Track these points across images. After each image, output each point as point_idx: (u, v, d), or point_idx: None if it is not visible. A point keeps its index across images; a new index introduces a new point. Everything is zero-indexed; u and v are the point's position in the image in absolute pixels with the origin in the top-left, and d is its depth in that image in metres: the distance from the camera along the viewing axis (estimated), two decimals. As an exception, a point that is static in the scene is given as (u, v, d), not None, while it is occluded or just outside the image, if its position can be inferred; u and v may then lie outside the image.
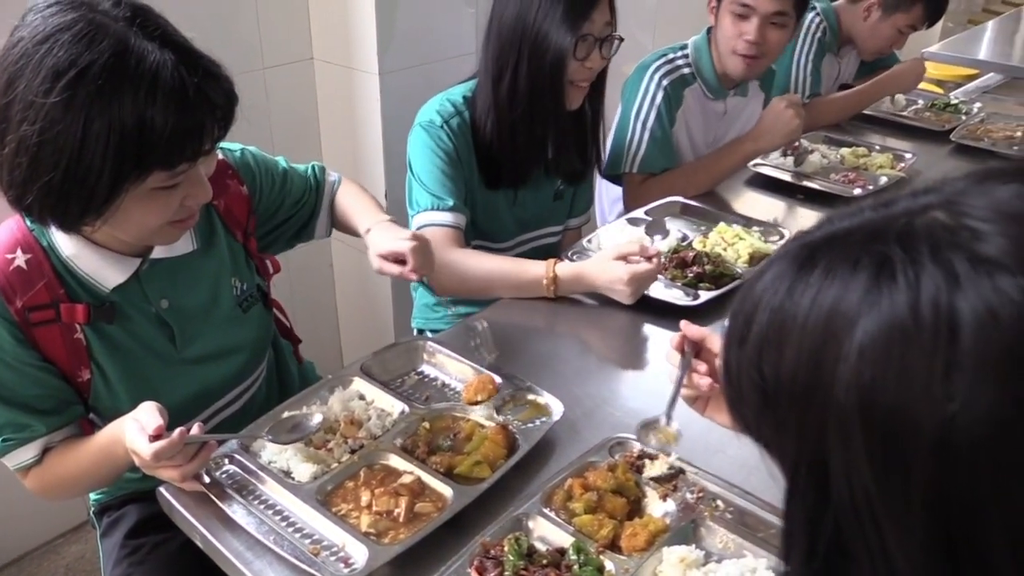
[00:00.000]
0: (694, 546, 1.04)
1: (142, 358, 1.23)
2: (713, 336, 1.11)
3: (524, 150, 1.72)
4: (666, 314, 1.55)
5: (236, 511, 1.08)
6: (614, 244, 1.62)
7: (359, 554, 1.01)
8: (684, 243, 1.77)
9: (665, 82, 2.08)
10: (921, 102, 2.83)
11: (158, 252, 1.22)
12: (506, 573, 0.98)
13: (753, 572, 1.00)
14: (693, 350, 1.11)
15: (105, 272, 1.17)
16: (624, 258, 1.54)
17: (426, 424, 1.24)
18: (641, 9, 3.10)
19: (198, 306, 1.28)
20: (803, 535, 0.56)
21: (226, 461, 1.16)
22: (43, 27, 0.98)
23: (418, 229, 1.66)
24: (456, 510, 1.07)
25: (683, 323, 1.14)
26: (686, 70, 2.12)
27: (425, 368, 1.40)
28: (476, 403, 1.27)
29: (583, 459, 1.17)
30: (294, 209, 1.48)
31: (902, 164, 2.27)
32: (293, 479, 1.13)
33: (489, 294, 1.63)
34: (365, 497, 1.11)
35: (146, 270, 1.21)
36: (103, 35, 0.98)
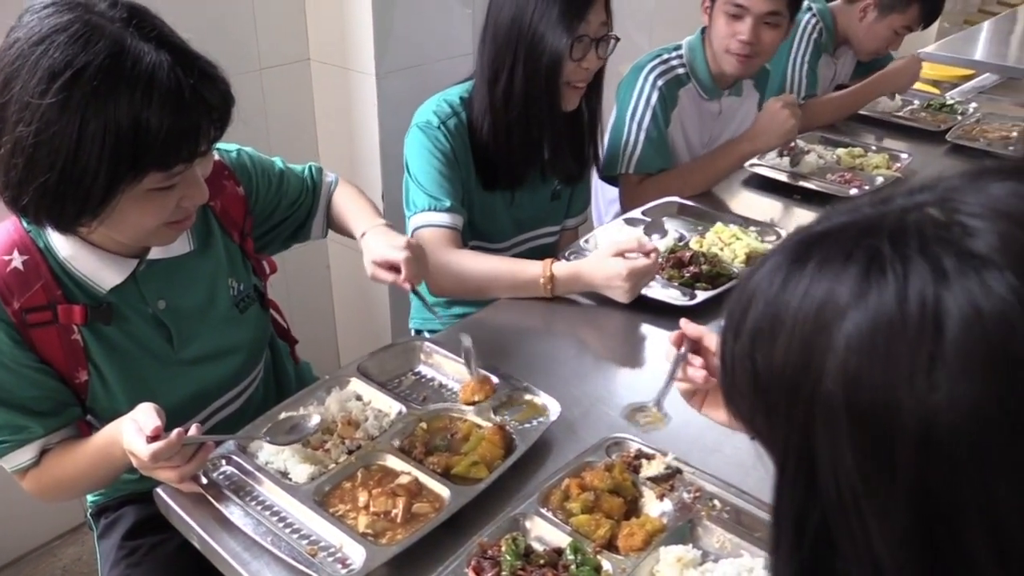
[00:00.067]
0: (691, 546, 1.04)
1: (139, 359, 1.23)
2: (711, 335, 1.12)
3: (520, 152, 1.72)
4: (663, 314, 1.55)
5: (233, 512, 1.08)
6: (612, 241, 1.62)
7: (356, 555, 1.01)
8: (681, 243, 1.78)
9: (660, 82, 2.08)
10: (917, 102, 2.84)
11: (155, 253, 1.22)
12: (503, 573, 0.98)
13: (750, 572, 1.00)
14: (690, 347, 1.12)
15: (102, 273, 1.17)
16: (622, 255, 1.54)
17: (423, 425, 1.24)
18: (638, 10, 3.10)
19: (195, 307, 1.28)
20: (790, 526, 0.57)
21: (223, 462, 1.16)
22: (39, 28, 0.98)
23: (415, 230, 1.66)
24: (453, 510, 1.07)
25: (683, 321, 1.15)
26: (680, 70, 2.12)
27: (422, 369, 1.40)
28: (473, 403, 1.28)
29: (580, 459, 1.17)
30: (291, 210, 1.48)
31: (898, 164, 2.28)
32: (290, 480, 1.13)
33: (486, 294, 1.63)
34: (362, 498, 1.11)
35: (143, 271, 1.21)
36: (99, 36, 0.98)
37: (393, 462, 1.17)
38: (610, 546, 1.05)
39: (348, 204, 1.50)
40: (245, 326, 1.36)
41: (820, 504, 0.53)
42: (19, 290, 1.12)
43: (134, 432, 1.05)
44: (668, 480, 1.14)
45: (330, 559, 1.02)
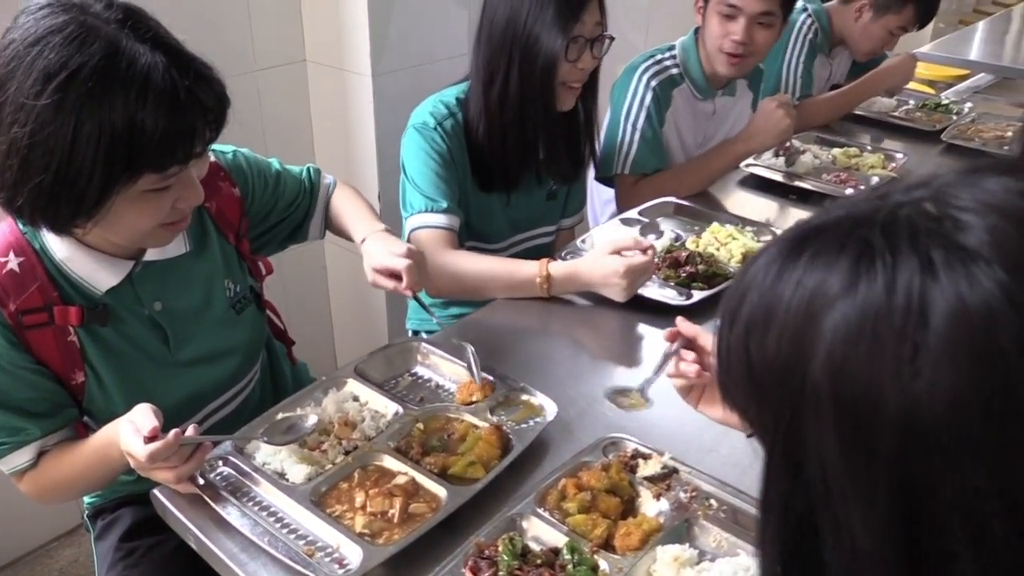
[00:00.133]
0: (688, 545, 1.04)
1: (136, 360, 1.23)
2: (706, 334, 1.12)
3: (515, 154, 1.72)
4: (659, 314, 1.55)
5: (230, 513, 1.08)
6: (608, 240, 1.62)
7: (353, 555, 1.02)
8: (677, 243, 1.78)
9: (654, 83, 2.08)
10: (912, 102, 2.84)
11: (151, 254, 1.22)
12: (500, 573, 0.98)
13: (747, 571, 1.00)
14: (684, 343, 1.13)
15: (98, 275, 1.17)
16: (618, 253, 1.54)
17: (420, 425, 1.24)
18: (633, 10, 3.11)
19: (191, 308, 1.28)
20: (776, 515, 0.58)
21: (220, 463, 1.16)
22: (34, 29, 0.98)
23: (412, 231, 1.66)
24: (450, 511, 1.07)
25: (679, 319, 1.15)
26: (674, 71, 2.13)
27: (419, 369, 1.40)
28: (470, 404, 1.28)
29: (577, 459, 1.17)
30: (287, 211, 1.48)
31: (893, 164, 2.28)
32: (287, 480, 1.13)
33: (483, 295, 1.64)
34: (359, 498, 1.11)
35: (139, 272, 1.21)
36: (94, 37, 0.98)
37: (390, 462, 1.17)
38: (607, 546, 1.05)
39: (347, 207, 1.50)
40: (241, 327, 1.36)
41: (805, 492, 0.54)
42: (15, 292, 1.12)
43: (131, 433, 1.05)
44: (665, 480, 1.14)
45: (327, 559, 1.02)
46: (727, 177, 2.20)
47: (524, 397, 1.29)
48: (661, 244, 1.74)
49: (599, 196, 2.42)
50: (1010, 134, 2.51)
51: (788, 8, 2.01)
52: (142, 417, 1.06)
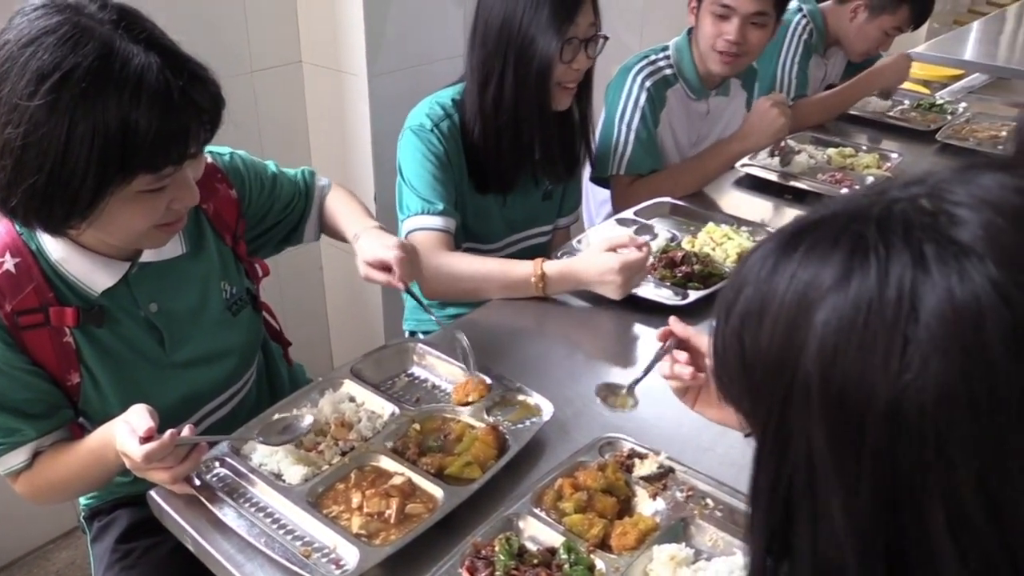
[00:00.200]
0: (684, 544, 1.05)
1: (131, 362, 1.23)
2: (700, 336, 1.12)
3: (510, 156, 1.72)
4: (655, 314, 1.55)
5: (227, 514, 1.08)
6: (603, 238, 1.62)
7: (350, 556, 1.02)
8: (673, 243, 1.78)
9: (648, 83, 2.09)
10: (907, 102, 2.85)
11: (147, 256, 1.22)
12: (497, 573, 0.99)
13: (743, 570, 1.00)
14: (675, 343, 1.13)
15: (94, 276, 1.17)
16: (613, 250, 1.54)
17: (416, 425, 1.24)
18: (628, 10, 3.11)
19: (187, 310, 1.28)
20: (763, 505, 0.59)
21: (217, 464, 1.16)
22: (28, 30, 0.98)
23: (408, 233, 1.66)
24: (447, 511, 1.07)
25: (671, 318, 1.15)
26: (668, 71, 2.13)
27: (415, 370, 1.40)
28: (466, 404, 1.28)
29: (573, 459, 1.17)
30: (283, 213, 1.48)
31: (888, 164, 2.29)
32: (284, 481, 1.13)
33: (479, 296, 1.64)
34: (356, 499, 1.11)
35: (135, 274, 1.21)
36: (88, 38, 0.98)
37: (386, 463, 1.17)
38: (603, 545, 1.05)
39: (340, 207, 1.50)
40: (237, 329, 1.36)
41: (790, 481, 0.55)
42: (11, 292, 1.12)
43: (127, 433, 1.05)
44: (661, 479, 1.14)
45: (324, 560, 1.02)
46: (723, 177, 2.20)
47: (520, 397, 1.29)
48: (657, 244, 1.74)
49: (595, 197, 2.43)
50: (1005, 134, 2.51)
51: (781, 8, 2.02)
52: (138, 418, 1.06)
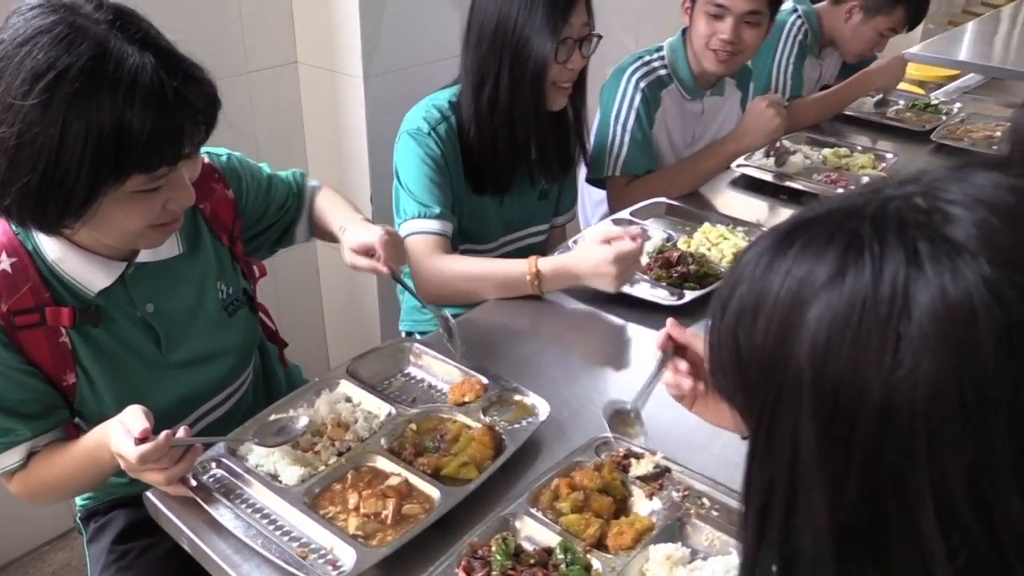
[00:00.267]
0: (680, 544, 1.05)
1: (127, 362, 1.23)
2: (698, 341, 1.12)
3: (506, 157, 1.72)
4: (651, 314, 1.56)
5: (223, 515, 1.08)
6: (597, 232, 1.61)
7: (347, 556, 1.02)
8: (669, 243, 1.79)
9: (642, 84, 2.09)
10: (902, 103, 2.86)
11: (144, 256, 1.22)
12: (494, 573, 0.99)
13: (739, 569, 1.01)
14: (673, 350, 1.13)
15: (91, 276, 1.16)
16: (608, 242, 1.53)
17: (413, 426, 1.24)
18: (624, 11, 3.11)
19: (183, 310, 1.28)
20: (757, 502, 0.60)
21: (213, 465, 1.16)
22: (24, 29, 0.98)
23: (405, 237, 1.66)
24: (443, 511, 1.07)
25: (669, 321, 1.14)
26: (662, 71, 2.13)
27: (411, 370, 1.40)
28: (462, 404, 1.28)
29: (569, 459, 1.17)
30: (278, 215, 1.49)
31: (883, 164, 2.29)
32: (280, 482, 1.13)
33: (476, 297, 1.64)
34: (352, 499, 1.11)
35: (132, 274, 1.21)
36: (83, 38, 0.97)
37: (383, 463, 1.17)
38: (600, 545, 1.05)
39: (329, 206, 1.51)
40: (234, 329, 1.36)
41: (781, 476, 0.56)
42: (7, 292, 1.12)
43: (122, 434, 1.05)
44: (657, 479, 1.15)
45: (320, 561, 1.02)
46: (718, 177, 2.21)
47: (517, 397, 1.30)
48: (653, 244, 1.75)
49: (590, 198, 2.43)
50: (999, 134, 2.52)
51: (775, 7, 2.03)
52: (133, 419, 1.06)
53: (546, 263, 1.58)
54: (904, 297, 0.49)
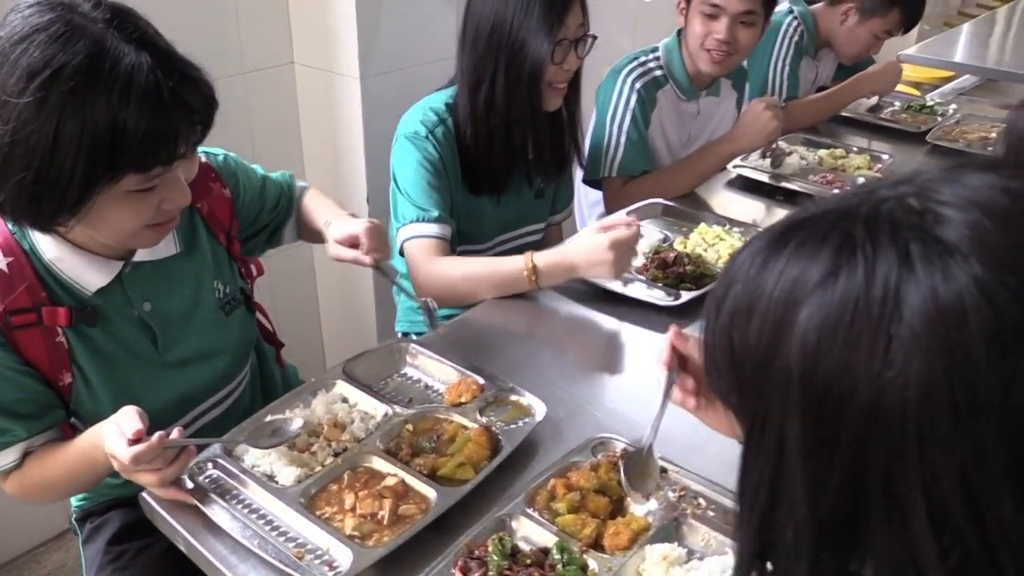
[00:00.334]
0: (676, 544, 1.05)
1: (124, 361, 1.22)
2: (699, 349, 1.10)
3: (503, 158, 1.72)
4: (648, 315, 1.56)
5: (219, 515, 1.07)
6: (593, 224, 1.61)
7: (343, 557, 1.02)
8: (665, 244, 1.79)
9: (638, 85, 2.09)
10: (898, 104, 2.86)
11: (141, 255, 1.21)
12: (490, 573, 0.99)
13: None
14: (679, 365, 1.06)
15: (88, 275, 1.16)
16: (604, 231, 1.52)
17: (409, 426, 1.24)
18: (620, 11, 3.12)
19: (180, 309, 1.28)
20: (750, 501, 0.60)
21: (209, 465, 1.15)
22: (21, 27, 0.98)
23: (404, 241, 1.66)
24: (440, 512, 1.07)
25: (672, 331, 1.06)
26: (658, 72, 2.14)
27: (408, 370, 1.40)
28: (459, 405, 1.28)
29: (566, 459, 1.17)
30: (272, 215, 1.50)
31: (879, 165, 2.30)
32: (276, 483, 1.13)
33: (474, 298, 1.63)
34: (349, 500, 1.11)
35: (128, 273, 1.20)
36: (79, 36, 0.97)
37: (379, 464, 1.17)
38: (596, 545, 1.05)
39: (315, 205, 1.53)
40: (230, 329, 1.36)
41: (770, 474, 0.56)
42: (3, 292, 1.12)
43: (116, 435, 1.05)
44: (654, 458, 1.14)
45: (317, 562, 1.02)
46: (714, 178, 2.21)
47: (513, 398, 1.30)
48: (649, 245, 1.75)
49: (587, 198, 2.43)
50: (994, 135, 2.52)
51: (770, 7, 2.04)
52: (127, 420, 1.06)
53: (541, 257, 1.57)
54: (896, 298, 0.50)
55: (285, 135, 2.45)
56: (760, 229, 1.83)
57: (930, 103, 2.87)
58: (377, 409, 1.28)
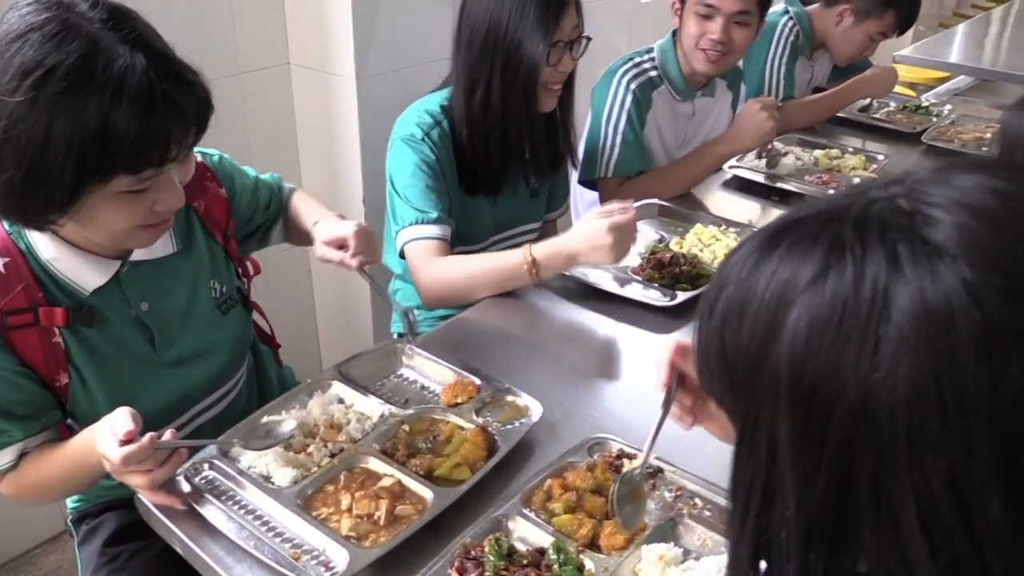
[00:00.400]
0: (673, 544, 1.05)
1: (121, 361, 1.22)
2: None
3: (499, 159, 1.72)
4: (644, 316, 1.56)
5: (216, 517, 1.07)
6: (593, 210, 1.60)
7: (340, 558, 1.02)
8: (661, 244, 1.79)
9: (633, 85, 2.10)
10: (893, 104, 2.87)
11: (138, 254, 1.21)
12: (487, 574, 0.99)
13: (731, 569, 1.01)
14: (678, 383, 1.01)
15: (85, 274, 1.16)
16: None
17: (405, 427, 1.24)
18: (617, 12, 3.12)
19: (178, 308, 1.28)
20: (742, 500, 0.60)
21: (205, 467, 1.15)
22: (17, 25, 0.98)
23: (404, 244, 1.65)
24: (436, 512, 1.07)
25: (674, 346, 0.99)
26: (653, 73, 2.14)
27: (404, 371, 1.40)
28: (455, 405, 1.28)
29: (562, 459, 1.17)
30: (265, 215, 1.50)
31: (874, 166, 2.31)
32: (273, 484, 1.13)
33: (475, 295, 1.63)
34: (345, 501, 1.11)
35: (126, 272, 1.20)
36: (74, 36, 0.97)
37: (376, 465, 1.17)
38: (592, 545, 1.05)
39: (303, 206, 1.53)
40: (227, 328, 1.36)
41: (761, 474, 0.57)
42: (0, 293, 1.12)
43: (107, 435, 1.05)
44: (650, 479, 1.15)
45: (313, 562, 1.02)
46: (710, 178, 2.22)
47: (509, 398, 1.30)
48: (645, 245, 1.75)
49: (583, 199, 2.43)
50: (989, 136, 2.53)
51: (764, 7, 2.04)
52: (119, 420, 1.06)
53: (540, 248, 1.55)
54: (884, 299, 0.50)
55: (281, 136, 2.45)
56: (756, 229, 1.84)
57: (925, 103, 2.88)
58: (373, 410, 1.28)
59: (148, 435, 1.04)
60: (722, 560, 1.02)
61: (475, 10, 1.64)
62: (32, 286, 1.14)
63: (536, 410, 1.26)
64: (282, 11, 2.31)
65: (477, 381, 1.31)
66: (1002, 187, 0.53)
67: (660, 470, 1.15)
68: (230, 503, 1.10)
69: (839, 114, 2.73)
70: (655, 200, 1.96)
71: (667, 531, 1.08)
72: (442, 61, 1.77)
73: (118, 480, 1.09)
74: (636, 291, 1.61)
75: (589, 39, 1.69)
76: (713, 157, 2.15)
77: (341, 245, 1.34)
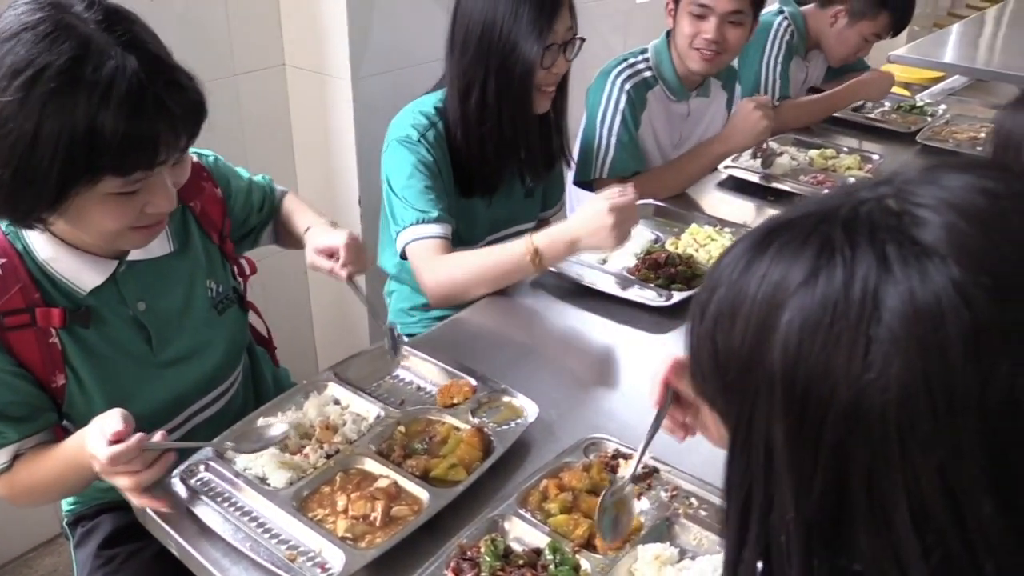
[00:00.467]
0: (668, 544, 1.05)
1: (117, 362, 1.22)
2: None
3: (495, 161, 1.73)
4: (639, 316, 1.56)
5: (211, 518, 1.07)
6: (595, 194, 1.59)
7: (336, 559, 1.02)
8: (656, 244, 1.79)
9: (628, 86, 2.10)
10: (888, 104, 2.87)
11: (135, 254, 1.21)
12: (483, 574, 0.99)
13: (726, 568, 1.01)
14: (673, 398, 1.00)
15: (82, 274, 1.16)
16: None
17: (401, 428, 1.24)
18: (612, 13, 3.12)
19: (174, 308, 1.28)
20: (736, 501, 0.60)
21: (201, 468, 1.15)
22: (11, 25, 0.98)
23: (405, 245, 1.65)
24: (432, 513, 1.08)
25: (670, 366, 0.97)
26: (647, 73, 2.14)
27: (400, 372, 1.40)
28: (451, 406, 1.28)
29: (558, 460, 1.18)
30: (259, 217, 1.51)
31: (869, 165, 2.31)
32: (269, 485, 1.13)
33: (480, 290, 1.62)
34: (341, 502, 1.11)
35: (123, 272, 1.20)
36: (66, 36, 0.97)
37: (372, 466, 1.17)
38: (588, 545, 1.05)
39: (294, 208, 1.53)
40: (223, 328, 1.35)
41: (757, 476, 0.57)
42: None
43: (97, 436, 1.05)
44: (646, 479, 1.15)
45: (309, 564, 1.02)
46: (705, 179, 2.22)
47: (505, 399, 1.30)
48: (640, 246, 1.75)
49: (578, 200, 2.43)
50: (983, 135, 2.54)
51: (758, 7, 2.05)
52: (110, 421, 1.05)
53: (541, 236, 1.54)
54: (874, 300, 0.50)
55: (276, 137, 2.45)
56: (751, 229, 1.84)
57: (920, 103, 2.89)
58: (369, 411, 1.28)
59: (137, 435, 1.04)
60: (718, 559, 1.02)
61: (469, 12, 1.64)
62: (29, 287, 1.14)
63: (532, 410, 1.26)
64: (277, 12, 2.31)
65: (473, 382, 1.31)
66: (990, 187, 0.53)
67: (656, 470, 1.16)
68: (226, 505, 1.10)
69: (834, 114, 2.74)
70: (650, 200, 1.96)
71: (663, 531, 1.08)
72: (437, 62, 1.77)
73: (106, 480, 1.09)
74: (632, 291, 1.61)
75: (583, 40, 1.69)
76: (708, 157, 2.15)
77: (332, 254, 1.34)
